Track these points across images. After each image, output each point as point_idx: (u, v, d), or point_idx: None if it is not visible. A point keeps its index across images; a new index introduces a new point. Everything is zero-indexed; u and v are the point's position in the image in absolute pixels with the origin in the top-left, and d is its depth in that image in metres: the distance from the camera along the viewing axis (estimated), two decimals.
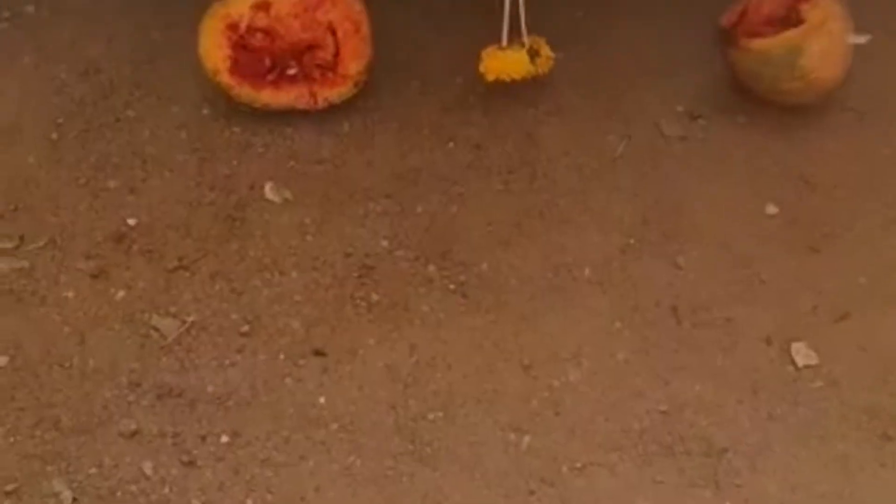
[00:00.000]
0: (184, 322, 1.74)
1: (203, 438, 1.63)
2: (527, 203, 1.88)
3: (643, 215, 1.86)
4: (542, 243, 1.84)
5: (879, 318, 1.75)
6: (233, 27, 1.92)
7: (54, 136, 1.94)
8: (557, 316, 1.76)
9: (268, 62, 1.94)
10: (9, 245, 1.81)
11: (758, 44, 1.89)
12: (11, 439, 1.62)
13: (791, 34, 1.87)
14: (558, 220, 1.86)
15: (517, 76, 1.95)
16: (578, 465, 1.61)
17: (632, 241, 1.84)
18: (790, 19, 1.90)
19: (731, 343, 1.73)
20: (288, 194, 1.89)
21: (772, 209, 1.86)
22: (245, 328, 1.74)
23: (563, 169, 1.92)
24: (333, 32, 1.94)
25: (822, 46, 1.86)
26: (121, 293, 1.77)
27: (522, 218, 1.87)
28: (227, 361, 1.70)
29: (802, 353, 1.71)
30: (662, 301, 1.77)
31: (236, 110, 1.95)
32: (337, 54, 1.95)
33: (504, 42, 1.93)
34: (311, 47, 1.95)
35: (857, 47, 1.91)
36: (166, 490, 1.58)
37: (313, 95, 1.94)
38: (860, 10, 1.94)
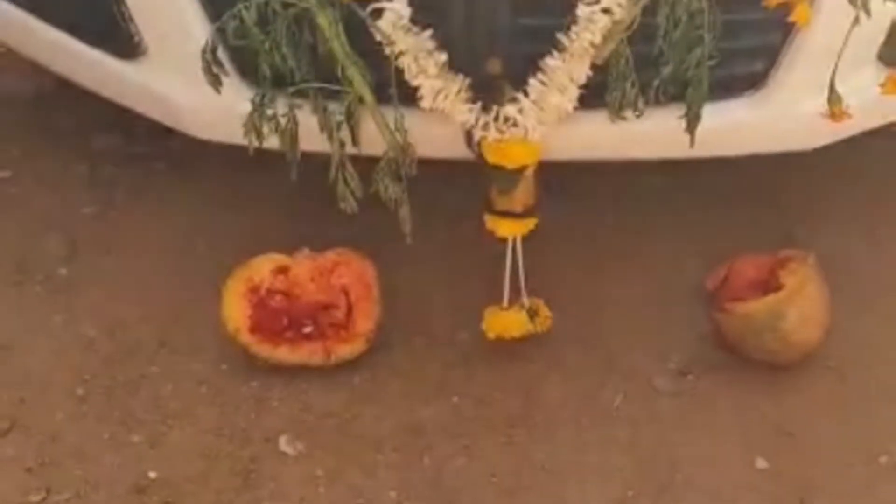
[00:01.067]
0: None
1: None
2: (528, 455, 1.96)
3: (639, 467, 1.93)
4: (544, 495, 1.90)
5: None
6: (254, 289, 2.05)
7: (81, 391, 2.04)
8: None
9: (285, 321, 2.06)
10: (36, 498, 1.87)
11: (741, 307, 2.01)
12: None
13: (771, 299, 1.98)
14: (558, 471, 1.93)
15: (517, 334, 2.05)
16: None
17: (630, 493, 1.90)
18: (770, 284, 2.02)
19: None
20: (301, 447, 1.97)
21: (761, 463, 1.93)
22: None
23: (562, 422, 2.00)
24: (347, 294, 2.07)
25: (802, 310, 1.97)
26: None
27: (524, 469, 1.93)
28: None
29: None
30: None
31: (254, 366, 2.05)
32: (349, 314, 2.07)
33: (505, 302, 2.05)
34: (326, 307, 2.07)
35: (835, 308, 2.05)
36: None
37: (327, 352, 2.05)
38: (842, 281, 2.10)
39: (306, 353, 2.05)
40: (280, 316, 2.06)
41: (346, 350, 2.06)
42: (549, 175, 1.96)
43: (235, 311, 2.04)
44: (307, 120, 1.89)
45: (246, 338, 2.04)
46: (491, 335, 2.06)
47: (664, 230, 2.33)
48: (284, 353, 2.05)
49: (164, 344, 2.12)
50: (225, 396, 2.04)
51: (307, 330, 2.06)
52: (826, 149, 2.04)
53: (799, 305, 1.98)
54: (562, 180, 2.12)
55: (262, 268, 2.08)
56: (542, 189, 1.96)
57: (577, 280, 2.24)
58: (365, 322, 2.07)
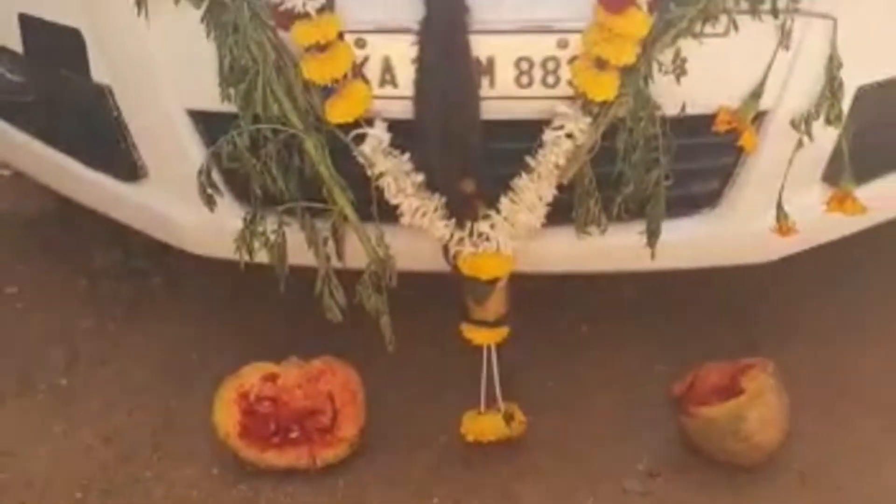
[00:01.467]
0: None
1: None
2: None
3: None
4: None
5: None
6: (244, 396, 2.15)
7: (79, 495, 2.11)
8: None
9: (273, 426, 2.15)
10: None
11: (705, 411, 2.10)
12: None
13: (732, 404, 2.07)
14: None
15: (494, 437, 2.15)
16: None
17: None
18: (732, 389, 2.11)
19: None
20: None
21: None
22: None
23: None
24: (332, 400, 2.17)
25: (761, 414, 2.06)
26: None
27: None
28: None
29: None
30: None
31: (243, 470, 2.13)
32: (335, 419, 2.16)
33: (482, 407, 2.14)
34: (313, 413, 2.16)
35: (794, 412, 2.15)
36: None
37: (313, 456, 2.13)
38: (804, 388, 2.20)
39: (293, 457, 2.14)
40: (268, 421, 2.15)
41: (331, 454, 2.14)
42: (524, 286, 2.07)
43: (226, 417, 2.13)
44: (295, 236, 2.01)
45: (235, 442, 2.13)
46: (469, 438, 2.15)
47: (634, 338, 2.44)
48: (272, 457, 2.13)
49: (158, 449, 2.21)
50: (215, 499, 2.11)
51: (294, 435, 2.15)
52: (789, 262, 2.16)
53: (759, 409, 2.07)
54: (537, 291, 2.23)
55: (252, 376, 2.18)
56: (517, 299, 2.08)
57: (551, 385, 2.33)
58: (350, 427, 2.16)
